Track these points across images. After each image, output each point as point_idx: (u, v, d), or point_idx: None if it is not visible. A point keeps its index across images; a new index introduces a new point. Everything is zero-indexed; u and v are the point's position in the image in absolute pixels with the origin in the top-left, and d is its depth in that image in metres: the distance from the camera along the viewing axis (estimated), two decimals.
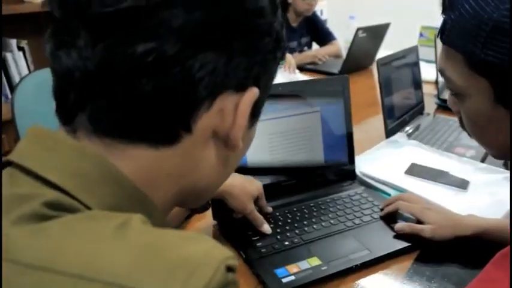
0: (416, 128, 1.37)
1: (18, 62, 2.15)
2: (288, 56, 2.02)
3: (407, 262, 0.80)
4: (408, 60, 1.44)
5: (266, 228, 0.84)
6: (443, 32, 0.55)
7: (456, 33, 0.53)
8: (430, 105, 1.61)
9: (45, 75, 1.57)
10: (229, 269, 0.31)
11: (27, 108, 1.68)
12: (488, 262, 0.64)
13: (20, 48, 2.16)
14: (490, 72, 0.51)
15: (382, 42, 2.14)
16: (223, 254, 0.31)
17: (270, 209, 0.91)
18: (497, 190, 0.97)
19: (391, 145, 1.20)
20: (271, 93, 0.89)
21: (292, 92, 0.97)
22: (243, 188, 0.83)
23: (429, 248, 0.82)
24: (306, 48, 2.48)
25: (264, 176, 0.95)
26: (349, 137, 1.04)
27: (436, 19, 0.59)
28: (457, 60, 0.54)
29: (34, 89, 1.72)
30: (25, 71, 2.17)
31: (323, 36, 2.47)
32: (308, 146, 0.99)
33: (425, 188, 0.99)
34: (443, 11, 0.56)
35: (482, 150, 1.21)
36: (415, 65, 1.48)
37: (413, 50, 1.48)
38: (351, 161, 1.05)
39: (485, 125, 0.56)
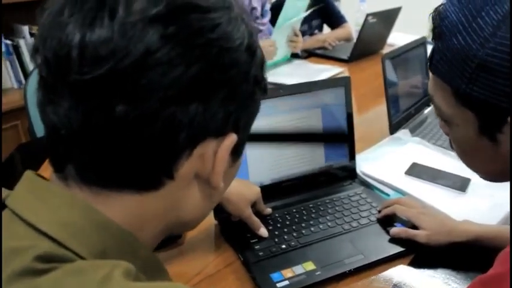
0: (422, 122, 1.37)
1: (30, 48, 2.17)
2: (298, 32, 2.01)
3: (401, 267, 0.82)
4: (416, 53, 1.43)
5: (263, 231, 0.87)
6: (432, 62, 0.56)
7: (443, 65, 0.53)
8: None
9: None
10: None
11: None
12: (480, 269, 0.66)
13: (32, 35, 2.18)
14: (474, 105, 0.52)
15: (393, 27, 2.11)
16: None
17: (269, 211, 0.93)
18: (496, 192, 0.98)
19: (394, 142, 1.20)
20: (271, 94, 0.90)
21: (293, 92, 0.98)
22: (240, 194, 0.85)
23: (423, 253, 0.84)
24: (316, 31, 2.45)
25: (265, 176, 0.97)
26: (351, 136, 1.04)
27: None
28: (444, 89, 0.55)
29: None
30: None
31: (334, 19, 2.44)
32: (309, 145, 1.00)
33: (424, 190, 1.00)
34: (433, 39, 0.56)
35: None
36: (423, 57, 1.47)
37: (421, 41, 1.46)
38: (352, 160, 1.06)
39: (471, 153, 0.58)
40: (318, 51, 2.16)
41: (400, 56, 1.34)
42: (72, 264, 0.35)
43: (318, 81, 1.02)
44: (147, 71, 0.34)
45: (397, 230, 0.87)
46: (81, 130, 0.35)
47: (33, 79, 1.71)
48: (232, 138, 0.41)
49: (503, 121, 0.50)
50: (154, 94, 0.35)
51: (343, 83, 1.02)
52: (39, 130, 1.68)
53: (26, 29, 2.16)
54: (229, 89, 0.39)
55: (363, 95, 1.73)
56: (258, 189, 0.89)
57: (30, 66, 2.16)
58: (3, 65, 2.10)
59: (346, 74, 1.96)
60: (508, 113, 0.49)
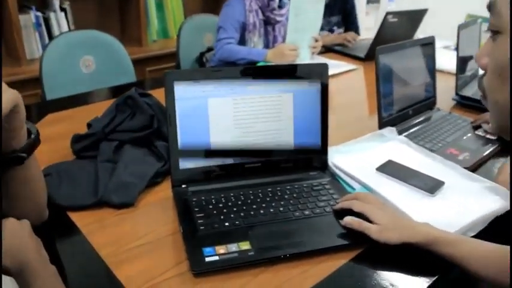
0: (417, 124, 1.31)
1: (60, 22, 2.27)
2: (319, 37, 1.96)
3: (342, 260, 0.79)
4: (420, 51, 1.37)
5: None
6: None
7: None
8: (448, 101, 1.54)
9: (76, 37, 1.67)
10: None
11: (54, 67, 1.79)
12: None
13: (62, 9, 2.27)
14: None
15: (417, 29, 2.03)
16: None
17: None
18: (467, 200, 0.92)
19: (376, 138, 1.16)
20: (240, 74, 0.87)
21: (264, 73, 0.96)
22: None
23: (372, 251, 0.80)
24: (335, 27, 2.40)
25: (228, 156, 0.97)
26: (324, 125, 1.02)
27: (485, 8, 0.54)
28: None
29: (63, 49, 1.83)
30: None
31: (349, 24, 2.40)
32: (277, 129, 0.98)
33: (391, 188, 0.95)
34: None
35: (477, 155, 1.14)
36: (429, 56, 1.40)
37: (429, 40, 1.40)
38: (324, 150, 1.03)
39: (506, 74, 0.51)
40: (337, 48, 2.11)
41: (400, 53, 1.29)
42: None
43: (293, 65, 0.99)
44: None
45: (350, 219, 0.82)
46: None
47: (50, 51, 1.79)
48: None
49: None
50: None
51: (319, 70, 0.99)
52: (50, 95, 1.76)
53: (57, 2, 2.25)
54: None
55: (368, 96, 1.69)
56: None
57: None
58: (32, 36, 2.20)
59: (361, 71, 1.91)
60: None
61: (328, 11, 2.31)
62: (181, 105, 0.91)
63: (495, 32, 0.52)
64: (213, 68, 0.97)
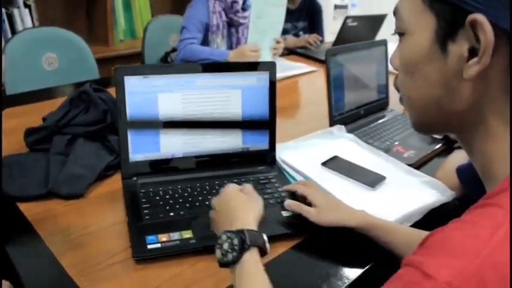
0: (368, 123, 1.37)
1: (24, 18, 2.25)
2: (280, 39, 2.00)
3: (281, 248, 0.83)
4: (372, 53, 1.42)
5: None
6: None
7: None
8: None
9: (39, 34, 1.67)
10: None
11: (15, 63, 1.78)
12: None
13: (27, 6, 2.26)
14: (439, 5, 0.49)
15: (377, 33, 2.10)
16: None
17: None
18: (406, 193, 0.97)
19: (325, 136, 1.20)
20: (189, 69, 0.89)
21: (213, 69, 0.99)
22: None
23: (310, 241, 0.84)
24: (301, 33, 2.46)
25: (177, 150, 0.99)
26: (272, 121, 1.05)
27: None
28: None
29: (26, 45, 1.82)
30: None
31: (314, 28, 2.47)
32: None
33: (334, 182, 0.99)
34: None
35: (422, 153, 1.20)
36: (382, 58, 1.46)
37: (381, 43, 1.45)
38: (272, 145, 1.07)
39: (415, 68, 0.54)
40: (299, 50, 2.17)
41: (352, 54, 1.34)
42: None
43: (242, 62, 1.03)
44: None
45: (290, 202, 0.87)
46: None
47: (12, 46, 1.78)
48: None
49: (459, 27, 0.48)
50: None
51: (267, 67, 1.03)
52: (11, 90, 1.75)
53: None
54: None
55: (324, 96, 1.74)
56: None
57: None
58: None
59: (321, 73, 1.96)
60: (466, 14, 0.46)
61: (295, 16, 2.37)
62: (132, 99, 0.94)
63: (400, 34, 0.56)
64: (163, 64, 0.99)
